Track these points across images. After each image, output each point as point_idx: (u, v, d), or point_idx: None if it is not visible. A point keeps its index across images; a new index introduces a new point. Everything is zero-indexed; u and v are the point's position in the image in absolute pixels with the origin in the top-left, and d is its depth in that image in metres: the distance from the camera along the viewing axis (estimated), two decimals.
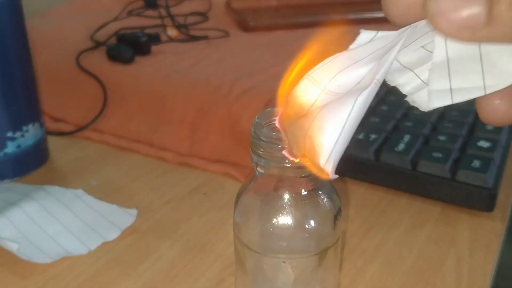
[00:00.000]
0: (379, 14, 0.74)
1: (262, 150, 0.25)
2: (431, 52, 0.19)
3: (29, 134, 0.44)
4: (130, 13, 0.74)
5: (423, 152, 0.42)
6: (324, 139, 0.19)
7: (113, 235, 0.37)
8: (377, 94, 0.61)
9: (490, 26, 0.16)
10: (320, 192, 0.27)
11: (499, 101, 0.19)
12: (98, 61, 0.57)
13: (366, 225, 0.39)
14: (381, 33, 0.19)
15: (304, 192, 0.27)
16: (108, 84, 0.53)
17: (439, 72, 0.19)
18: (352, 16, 0.72)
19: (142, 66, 0.56)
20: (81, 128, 0.50)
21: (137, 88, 0.52)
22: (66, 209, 0.39)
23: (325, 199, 0.27)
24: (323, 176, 0.20)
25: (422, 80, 0.21)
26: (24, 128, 0.43)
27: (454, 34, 0.17)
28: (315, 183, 0.27)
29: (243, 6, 0.76)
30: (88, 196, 0.41)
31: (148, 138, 0.49)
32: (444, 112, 0.49)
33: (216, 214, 0.40)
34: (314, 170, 0.20)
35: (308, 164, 0.20)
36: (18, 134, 0.43)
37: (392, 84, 0.21)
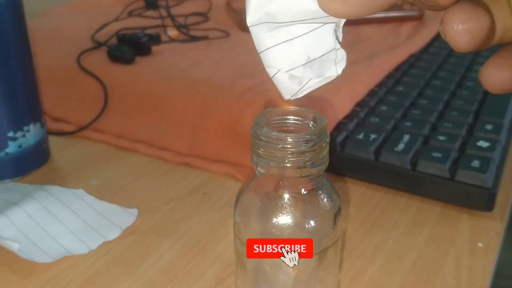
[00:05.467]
0: (379, 15, 0.74)
1: (262, 150, 0.25)
2: None
3: (30, 134, 0.44)
4: (130, 14, 0.74)
5: (422, 152, 0.42)
6: None
7: (113, 234, 0.37)
8: (377, 94, 0.61)
9: None
10: (320, 192, 0.27)
11: (498, 72, 0.21)
12: (99, 61, 0.57)
13: (366, 225, 0.39)
14: None
15: (304, 192, 0.27)
16: (108, 84, 0.53)
17: None
18: None
19: (143, 66, 0.56)
20: (81, 128, 0.51)
21: (137, 88, 0.52)
22: (66, 208, 0.39)
23: (325, 198, 0.27)
24: None
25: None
26: (25, 128, 0.43)
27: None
28: (315, 182, 0.27)
29: (243, 6, 0.76)
30: (89, 195, 0.41)
31: (148, 138, 0.49)
32: (443, 112, 0.49)
33: (216, 214, 0.40)
34: None
35: None
36: (19, 134, 0.43)
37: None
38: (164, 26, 0.68)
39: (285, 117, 0.27)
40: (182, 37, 0.66)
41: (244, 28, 0.69)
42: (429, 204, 0.41)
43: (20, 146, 0.43)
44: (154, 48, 0.60)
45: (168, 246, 0.37)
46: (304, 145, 0.25)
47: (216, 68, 0.55)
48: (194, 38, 0.65)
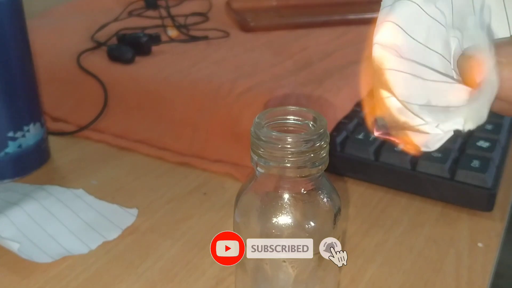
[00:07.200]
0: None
1: (262, 150, 0.25)
2: None
3: (30, 134, 0.44)
4: (130, 14, 0.74)
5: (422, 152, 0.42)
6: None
7: (113, 234, 0.37)
8: None
9: None
10: (320, 192, 0.27)
11: None
12: (99, 61, 0.57)
13: (366, 224, 0.39)
14: None
15: (304, 192, 0.27)
16: (108, 84, 0.53)
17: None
18: (352, 16, 0.72)
19: (143, 66, 0.56)
20: (81, 128, 0.51)
21: (137, 88, 0.52)
22: (66, 208, 0.39)
23: (325, 198, 0.27)
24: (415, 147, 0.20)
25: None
26: (25, 128, 0.43)
27: None
28: (315, 182, 0.27)
29: (243, 6, 0.76)
30: (89, 196, 0.41)
31: (148, 138, 0.49)
32: None
33: (216, 214, 0.40)
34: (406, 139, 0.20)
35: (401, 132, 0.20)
36: (19, 134, 0.43)
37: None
38: (164, 26, 0.68)
39: (285, 117, 0.27)
40: (182, 37, 0.66)
41: (244, 28, 0.69)
42: (429, 204, 0.41)
43: (20, 146, 0.43)
44: (154, 48, 0.60)
45: (168, 245, 0.37)
46: (304, 145, 0.25)
47: (216, 68, 0.55)
48: (194, 38, 0.65)
